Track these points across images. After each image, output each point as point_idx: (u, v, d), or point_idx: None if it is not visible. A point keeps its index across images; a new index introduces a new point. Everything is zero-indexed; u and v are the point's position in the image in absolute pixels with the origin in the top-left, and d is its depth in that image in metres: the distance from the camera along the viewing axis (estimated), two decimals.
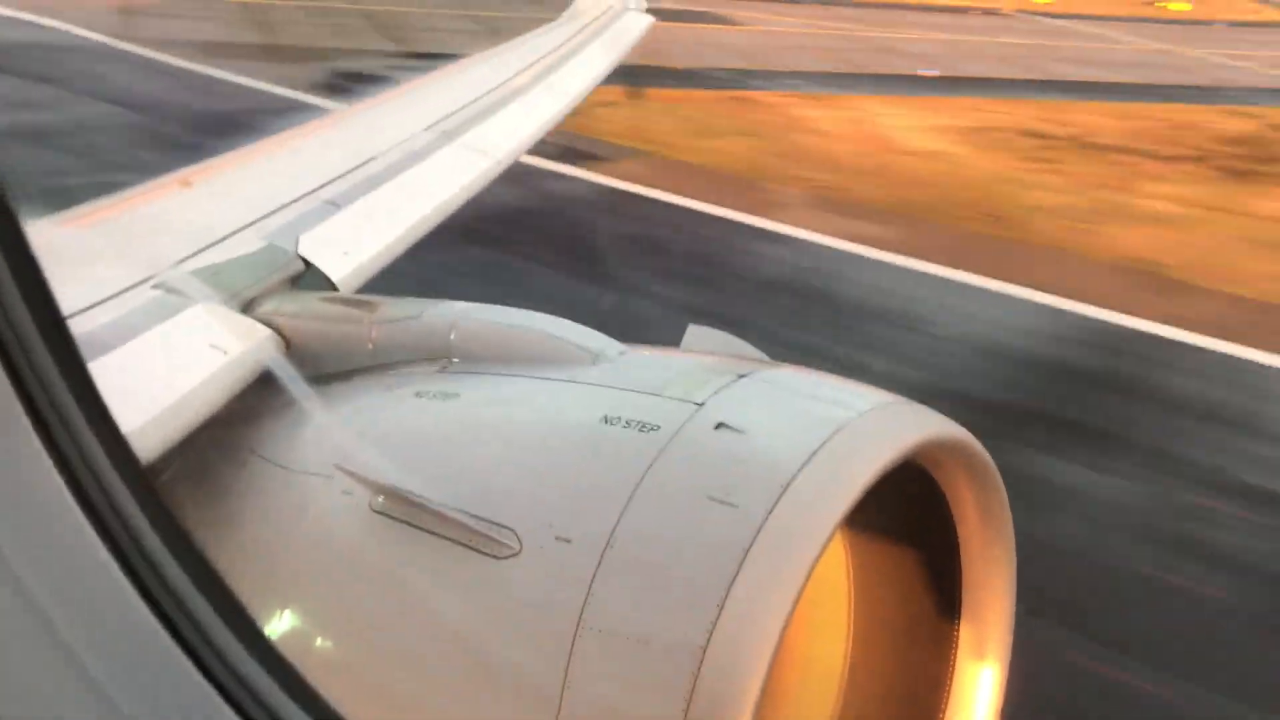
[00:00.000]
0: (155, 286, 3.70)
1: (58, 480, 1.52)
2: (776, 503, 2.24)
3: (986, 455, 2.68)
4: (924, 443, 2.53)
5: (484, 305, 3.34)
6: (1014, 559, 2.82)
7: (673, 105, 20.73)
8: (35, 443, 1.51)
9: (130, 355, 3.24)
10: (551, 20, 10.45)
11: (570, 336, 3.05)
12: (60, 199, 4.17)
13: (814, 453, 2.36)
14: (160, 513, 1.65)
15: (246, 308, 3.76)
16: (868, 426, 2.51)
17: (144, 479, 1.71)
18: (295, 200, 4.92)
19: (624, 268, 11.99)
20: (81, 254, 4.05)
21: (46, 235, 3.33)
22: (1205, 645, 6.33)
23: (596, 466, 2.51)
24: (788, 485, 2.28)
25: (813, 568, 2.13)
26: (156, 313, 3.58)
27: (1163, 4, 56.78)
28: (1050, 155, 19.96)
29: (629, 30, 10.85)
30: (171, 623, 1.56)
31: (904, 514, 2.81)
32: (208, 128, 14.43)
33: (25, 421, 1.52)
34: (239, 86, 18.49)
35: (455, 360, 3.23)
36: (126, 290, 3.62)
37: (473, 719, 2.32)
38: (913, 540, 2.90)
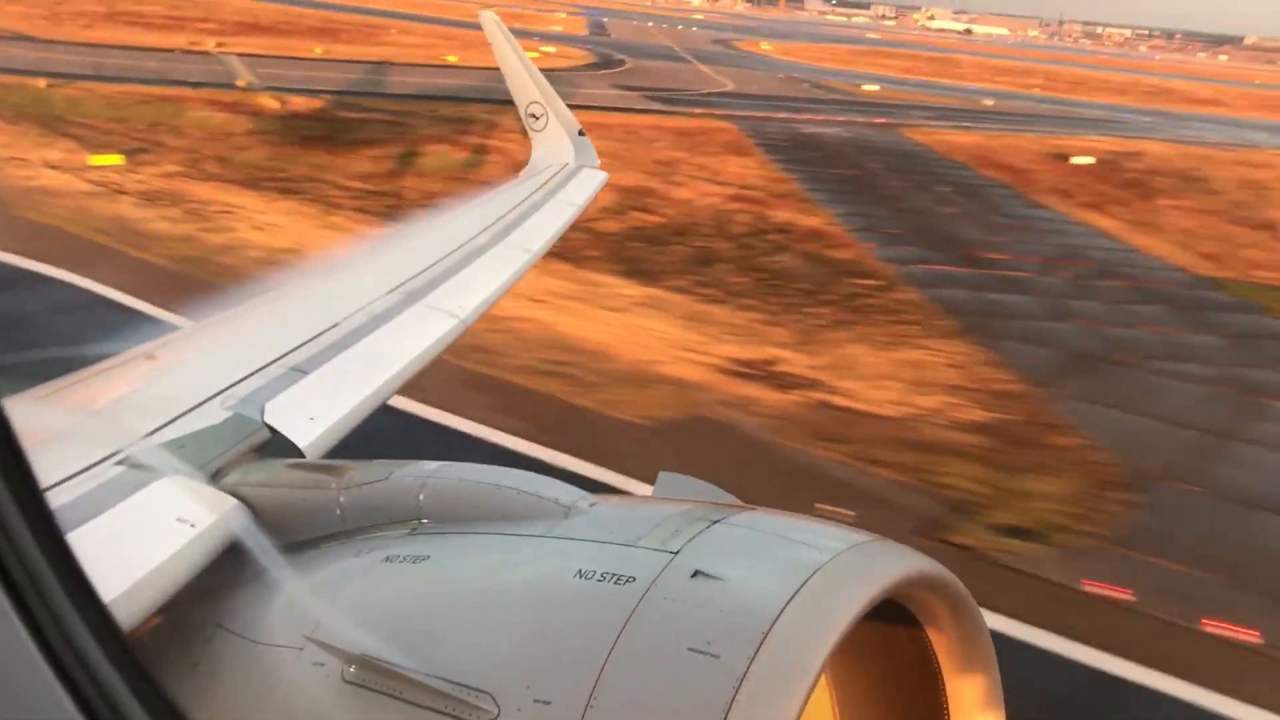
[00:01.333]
0: (121, 462, 3.80)
1: (35, 654, 1.61)
2: (757, 651, 2.25)
3: (962, 587, 2.77)
4: (900, 581, 2.59)
5: (452, 464, 3.44)
6: (999, 684, 2.93)
7: None
8: (14, 621, 1.59)
9: (97, 532, 3.27)
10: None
11: (540, 490, 3.12)
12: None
13: (791, 597, 2.40)
14: (142, 683, 1.82)
15: (214, 478, 3.85)
16: (843, 568, 2.55)
17: (127, 650, 1.88)
18: (261, 368, 5.03)
19: None
20: (48, 431, 4.12)
21: (14, 412, 3.15)
22: None
23: (573, 623, 2.51)
24: (768, 632, 2.29)
25: (799, 717, 2.15)
26: (123, 488, 3.65)
27: None
28: None
29: (585, 186, 11.07)
30: None
31: (885, 646, 2.91)
32: None
33: (5, 602, 1.59)
34: None
35: (425, 521, 3.28)
36: (93, 466, 3.72)
37: None
38: (896, 671, 2.95)
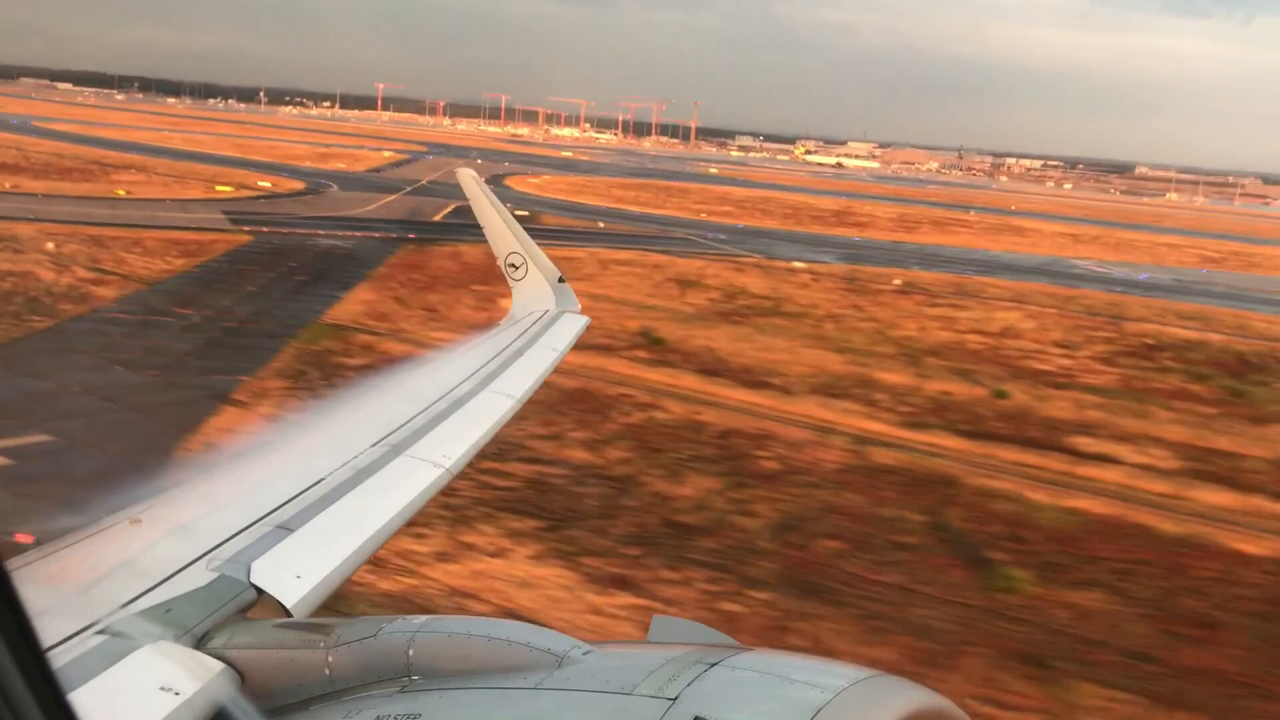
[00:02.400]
0: (103, 630, 3.83)
1: None
2: None
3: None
4: (904, 718, 2.62)
5: (441, 617, 3.49)
6: None
7: None
8: None
9: (80, 704, 3.03)
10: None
11: (531, 640, 3.16)
12: None
13: None
14: None
15: (200, 642, 3.88)
16: (846, 707, 2.58)
17: None
18: (246, 528, 5.12)
19: None
20: (31, 599, 3.41)
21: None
22: None
23: None
24: None
25: None
26: (105, 657, 3.65)
27: None
28: None
29: (566, 331, 11.20)
30: None
31: None
32: None
33: None
34: None
35: (415, 678, 3.32)
36: (74, 636, 3.75)
37: None
38: None
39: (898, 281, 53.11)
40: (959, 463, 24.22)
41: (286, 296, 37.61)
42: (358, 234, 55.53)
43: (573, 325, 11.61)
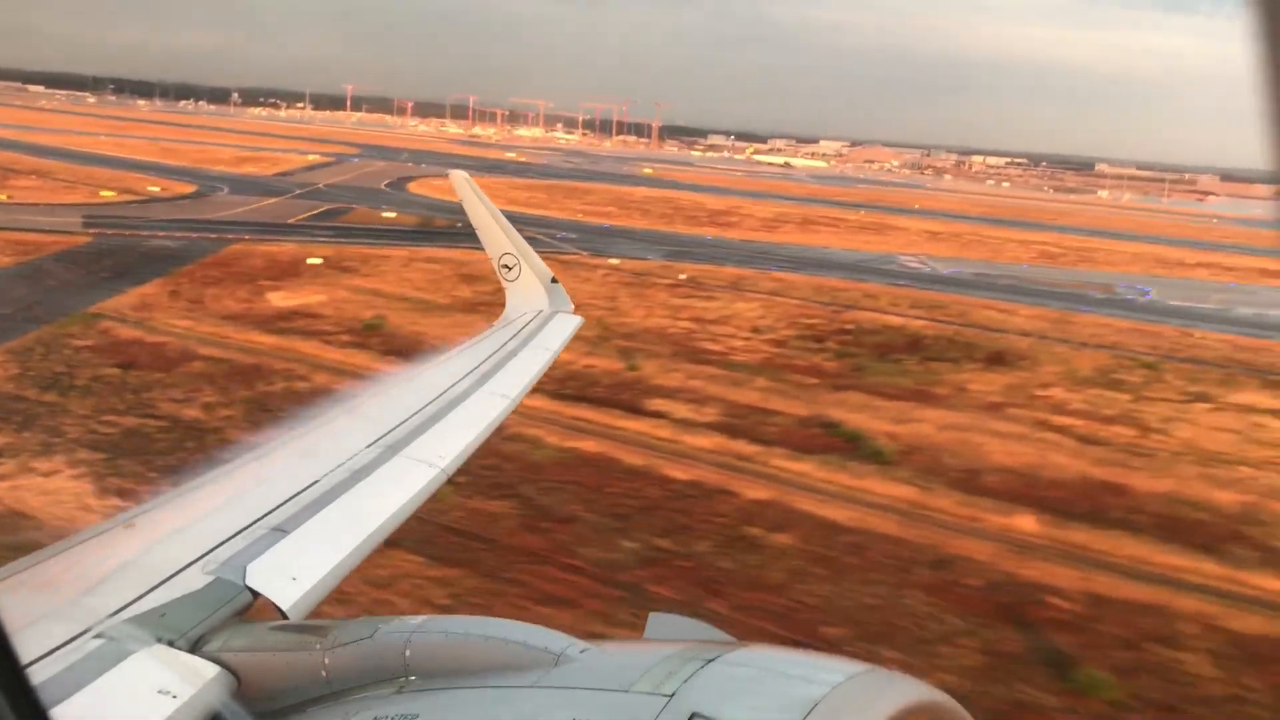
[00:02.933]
0: (100, 635, 3.87)
1: None
2: None
3: (963, 711, 2.92)
4: (900, 711, 2.67)
5: (437, 617, 3.56)
6: None
7: None
8: None
9: (77, 707, 3.29)
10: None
11: (528, 639, 3.23)
12: None
13: None
14: None
15: (196, 646, 3.92)
16: (842, 701, 2.64)
17: None
18: (241, 530, 5.20)
19: None
20: (27, 607, 4.21)
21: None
22: None
23: None
24: None
25: None
26: (103, 661, 3.70)
27: None
28: None
29: (560, 331, 11.41)
30: None
31: None
32: None
33: None
34: None
35: (412, 678, 3.39)
36: (72, 640, 3.79)
37: None
38: None
39: (683, 276, 59.38)
40: (529, 419, 30.54)
41: (75, 290, 43.91)
42: (199, 235, 61.66)
43: (566, 325, 11.78)
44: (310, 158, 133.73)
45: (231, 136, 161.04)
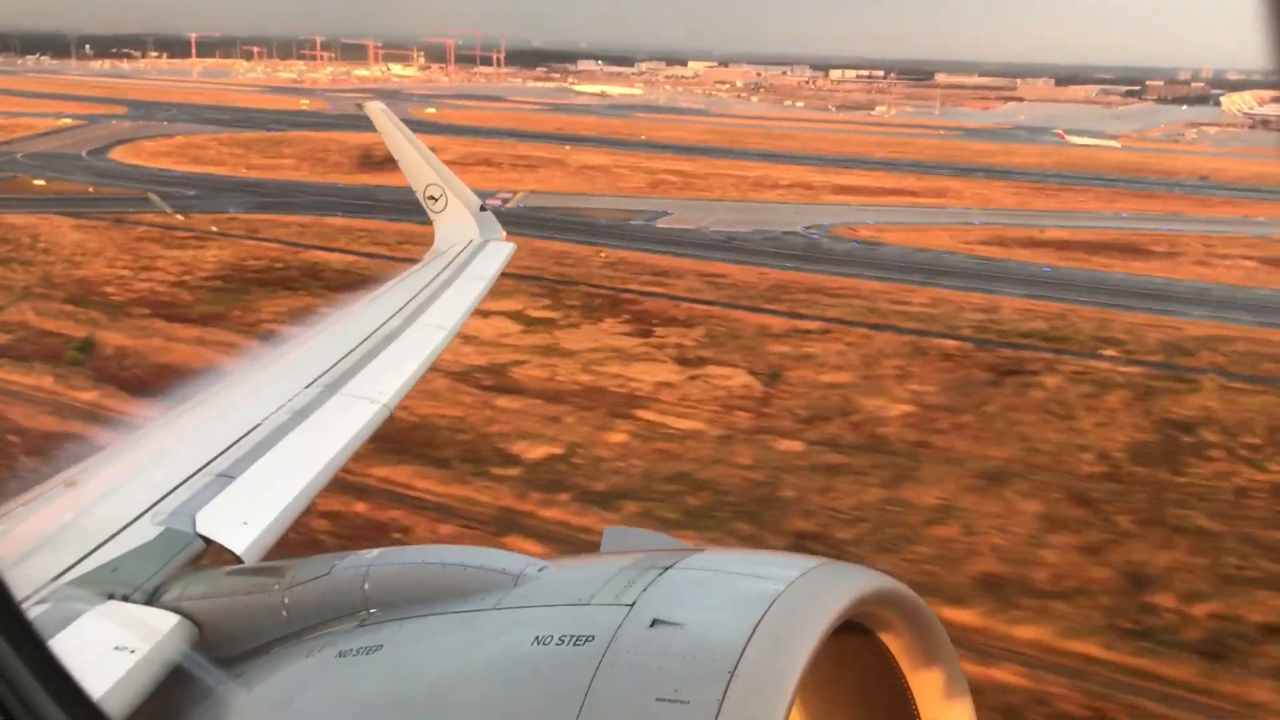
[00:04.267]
0: (50, 596, 3.99)
1: None
2: (727, 690, 2.45)
3: (920, 601, 3.06)
4: (856, 601, 2.83)
5: (392, 549, 3.70)
6: (961, 677, 3.17)
7: None
8: None
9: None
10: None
11: (485, 563, 3.33)
12: None
13: (752, 633, 2.60)
14: None
15: (152, 598, 4.04)
16: (799, 596, 2.78)
17: None
18: (187, 479, 5.36)
19: None
20: None
21: None
22: None
23: (538, 692, 2.69)
24: (734, 671, 2.49)
25: None
26: (54, 623, 3.77)
27: None
28: None
29: (493, 259, 12.24)
30: None
31: (848, 658, 3.11)
32: None
33: None
34: None
35: (373, 611, 3.49)
36: (21, 604, 3.69)
37: None
38: (861, 680, 3.18)
39: (214, 228, 73.58)
40: None
41: None
42: None
43: (499, 252, 12.22)
44: (62, 121, 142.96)
45: (9, 100, 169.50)
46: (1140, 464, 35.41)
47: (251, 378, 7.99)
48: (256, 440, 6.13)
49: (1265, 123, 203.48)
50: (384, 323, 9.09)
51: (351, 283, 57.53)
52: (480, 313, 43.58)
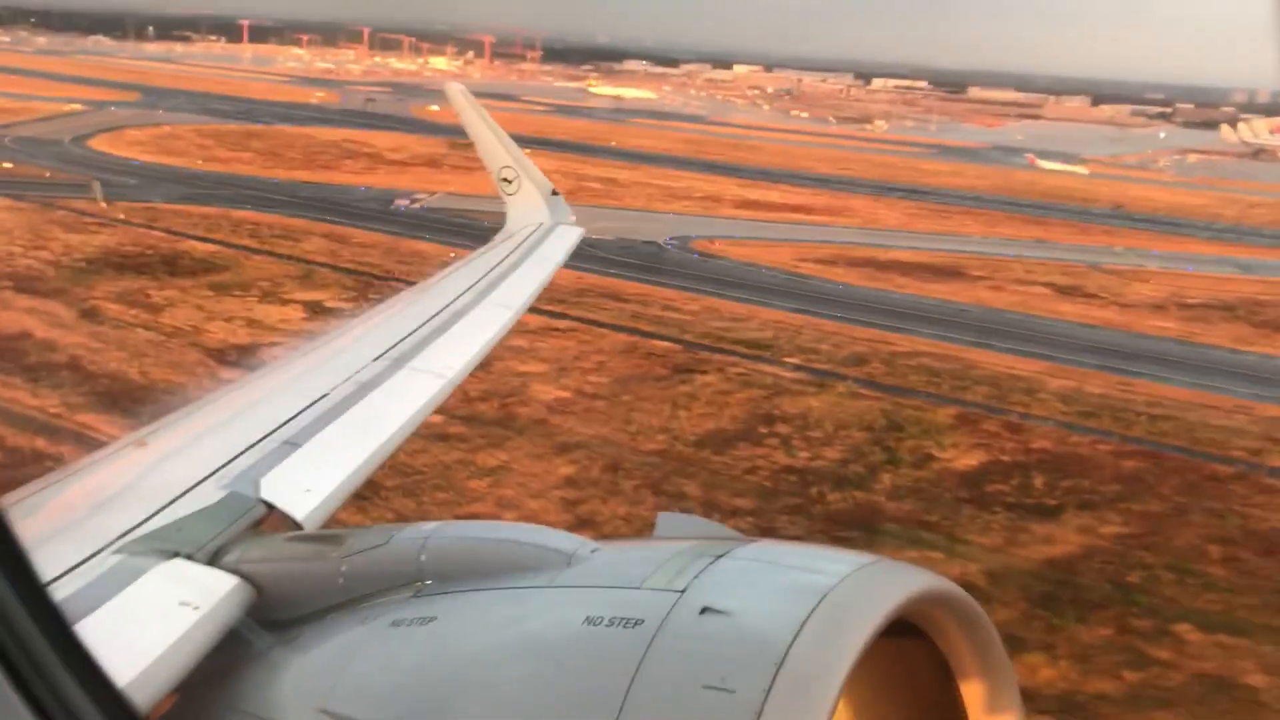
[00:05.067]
0: (120, 550, 4.20)
1: None
2: (773, 682, 2.49)
3: (974, 603, 3.08)
4: (909, 600, 2.87)
5: (451, 522, 3.89)
6: (1015, 687, 3.16)
7: None
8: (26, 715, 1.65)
9: (100, 622, 3.57)
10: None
11: (540, 541, 3.49)
12: None
13: (802, 625, 2.64)
14: None
15: (213, 559, 4.24)
16: (851, 591, 2.83)
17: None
18: (253, 445, 5.60)
19: None
20: (46, 526, 4.47)
21: (13, 510, 3.47)
22: None
23: (586, 671, 2.81)
24: (781, 662, 2.54)
25: None
26: (123, 576, 4.00)
27: None
28: None
29: (561, 242, 12.67)
30: None
31: (899, 661, 3.11)
32: None
33: (14, 698, 1.71)
34: None
35: (428, 582, 3.61)
36: (92, 557, 4.10)
37: None
38: (911, 684, 3.19)
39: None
40: None
41: None
42: None
43: (568, 236, 12.89)
44: (70, 106, 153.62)
45: (37, 83, 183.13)
46: (697, 446, 44.27)
47: (321, 349, 8.24)
48: (323, 410, 6.32)
49: (1259, 152, 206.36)
50: (453, 300, 9.51)
51: (193, 269, 68.59)
52: (281, 300, 53.86)
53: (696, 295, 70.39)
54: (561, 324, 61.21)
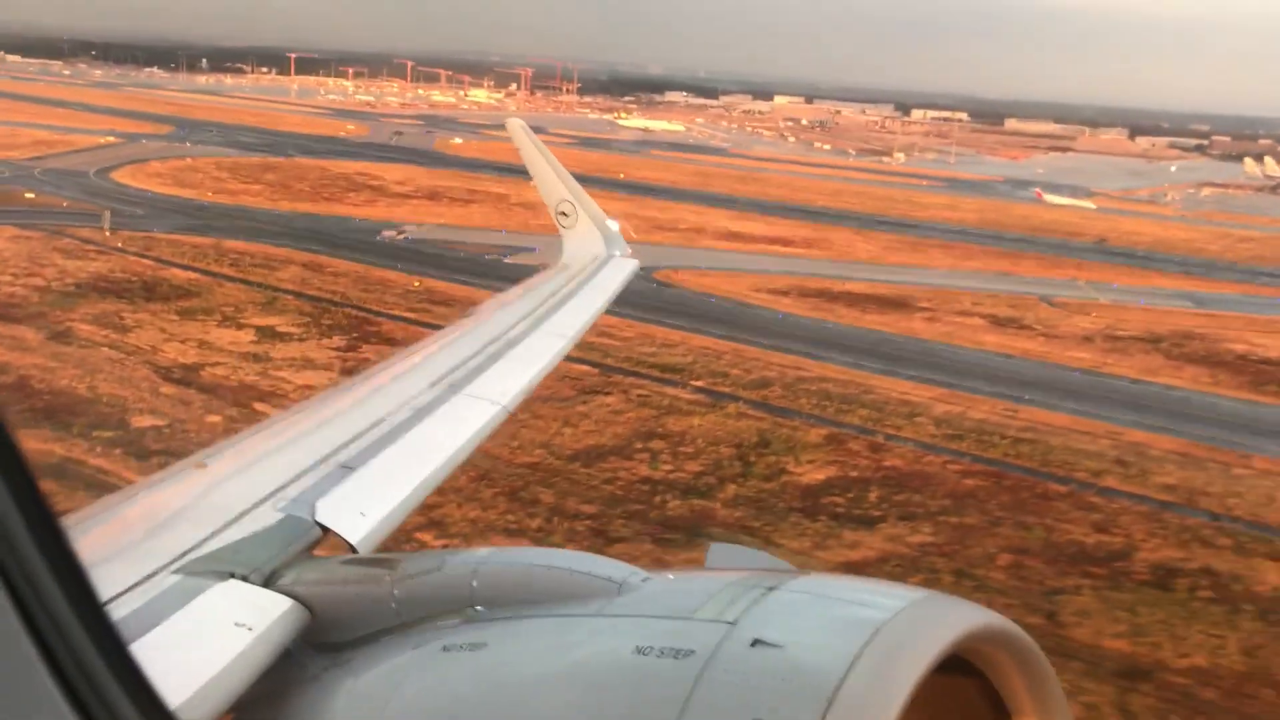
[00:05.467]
0: (178, 570, 4.28)
1: None
2: (824, 717, 2.44)
3: (1029, 638, 3.03)
4: (963, 636, 2.82)
5: (502, 549, 4.54)
6: None
7: None
8: None
9: (157, 640, 3.60)
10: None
11: (591, 569, 3.45)
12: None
13: (854, 661, 2.60)
14: None
15: (269, 580, 4.28)
16: (905, 627, 2.78)
17: None
18: (309, 469, 5.65)
19: None
20: (107, 545, 4.55)
21: (74, 530, 3.48)
22: None
23: (635, 701, 2.76)
24: (833, 698, 2.48)
25: None
26: (181, 596, 4.08)
27: None
28: None
29: (616, 275, 12.72)
30: None
31: (952, 698, 3.06)
32: None
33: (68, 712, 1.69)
34: None
35: (479, 608, 3.62)
36: (151, 576, 4.16)
37: None
38: None
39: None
40: None
41: None
42: None
43: (623, 268, 13.00)
44: (105, 139, 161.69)
45: (82, 115, 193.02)
46: (569, 460, 49.04)
47: (377, 376, 8.53)
48: (379, 434, 6.49)
49: (1278, 187, 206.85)
50: (509, 329, 9.68)
51: (168, 294, 74.87)
52: (237, 324, 59.77)
53: (637, 323, 74.79)
54: None
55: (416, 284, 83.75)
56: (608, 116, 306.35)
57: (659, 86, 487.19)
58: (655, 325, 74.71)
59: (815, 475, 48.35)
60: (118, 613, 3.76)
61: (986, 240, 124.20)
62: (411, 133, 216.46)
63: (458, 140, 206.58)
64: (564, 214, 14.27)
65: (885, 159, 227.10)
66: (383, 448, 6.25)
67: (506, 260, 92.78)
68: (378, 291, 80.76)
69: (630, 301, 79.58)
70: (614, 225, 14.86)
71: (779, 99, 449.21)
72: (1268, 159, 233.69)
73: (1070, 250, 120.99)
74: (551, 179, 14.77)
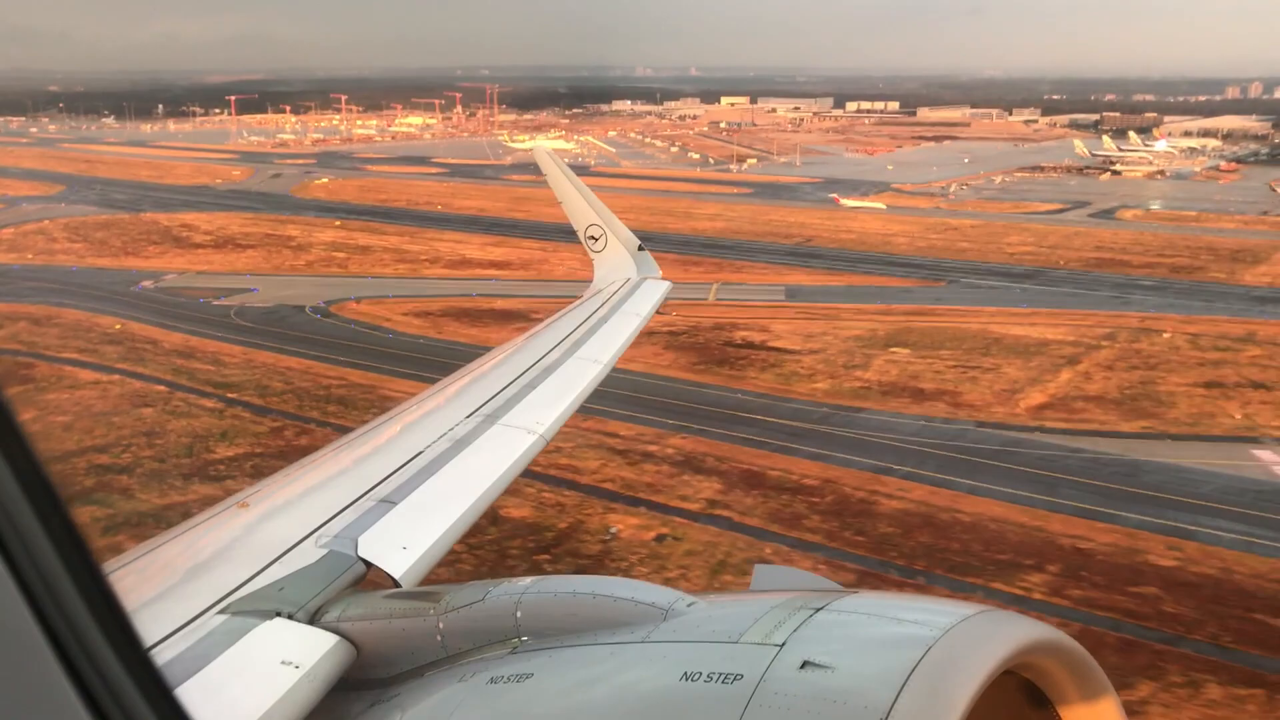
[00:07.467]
0: (222, 611, 4.52)
1: None
2: None
3: (1084, 651, 3.12)
4: (1017, 652, 2.93)
5: (546, 578, 4.00)
6: None
7: None
8: None
9: (205, 681, 3.80)
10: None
11: (636, 595, 3.63)
12: None
13: (905, 680, 2.71)
14: None
15: (314, 618, 4.54)
16: (956, 644, 2.87)
17: None
18: (350, 504, 6.03)
19: None
20: (151, 587, 4.74)
21: (118, 573, 3.77)
22: None
23: None
24: (886, 718, 2.59)
25: None
26: (227, 636, 4.32)
27: None
28: None
29: (648, 296, 13.40)
30: None
31: (1007, 714, 3.16)
32: None
33: None
34: None
35: (525, 639, 3.83)
36: (197, 618, 4.40)
37: None
38: None
39: None
40: None
41: None
42: None
43: (655, 290, 13.73)
44: None
45: None
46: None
47: (414, 409, 8.93)
48: (418, 468, 6.85)
49: (1084, 169, 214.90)
50: (543, 356, 10.20)
51: None
52: None
53: (254, 350, 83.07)
54: (90, 374, 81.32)
55: (118, 326, 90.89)
56: (503, 136, 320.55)
57: (609, 96, 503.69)
58: (272, 353, 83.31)
59: (229, 451, 70.22)
60: (165, 655, 4.14)
61: (695, 250, 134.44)
62: (290, 174, 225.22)
63: (323, 180, 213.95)
64: (593, 238, 15.27)
65: (731, 167, 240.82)
66: (422, 480, 6.77)
67: (216, 302, 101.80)
68: (70, 337, 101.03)
69: (271, 333, 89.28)
70: (643, 247, 15.54)
71: (724, 100, 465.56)
72: (1105, 138, 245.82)
73: (769, 254, 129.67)
74: (579, 203, 15.87)
